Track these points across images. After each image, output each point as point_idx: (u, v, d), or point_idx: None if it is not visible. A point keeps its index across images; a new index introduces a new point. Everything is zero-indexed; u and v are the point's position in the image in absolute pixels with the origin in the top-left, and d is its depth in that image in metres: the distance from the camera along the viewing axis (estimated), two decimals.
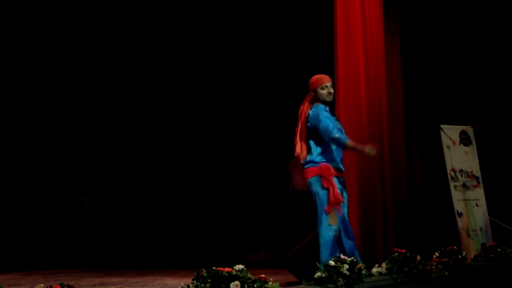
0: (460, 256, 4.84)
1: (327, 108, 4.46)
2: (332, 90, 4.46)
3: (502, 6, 7.19)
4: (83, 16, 8.62)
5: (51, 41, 8.85)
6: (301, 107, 4.50)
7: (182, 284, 3.34)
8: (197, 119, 9.57)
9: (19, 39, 8.65)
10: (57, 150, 9.22)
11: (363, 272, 3.79)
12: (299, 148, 4.47)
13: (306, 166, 4.40)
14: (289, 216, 8.22)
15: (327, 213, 4.22)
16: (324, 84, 4.41)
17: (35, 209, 8.92)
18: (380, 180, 5.81)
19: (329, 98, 4.44)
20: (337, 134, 4.23)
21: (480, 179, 6.32)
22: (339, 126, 4.47)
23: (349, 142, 4.23)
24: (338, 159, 4.38)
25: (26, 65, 8.89)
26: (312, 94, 4.42)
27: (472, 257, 5.52)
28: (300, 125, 4.47)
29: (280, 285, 3.51)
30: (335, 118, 4.55)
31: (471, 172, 6.28)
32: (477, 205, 6.18)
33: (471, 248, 5.77)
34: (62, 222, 9.00)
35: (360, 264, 3.80)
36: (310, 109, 4.41)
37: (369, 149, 4.18)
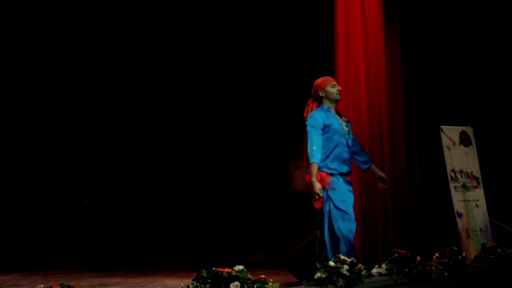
0: (460, 257, 4.83)
1: (331, 109, 4.45)
2: (340, 88, 4.49)
3: (502, 6, 7.18)
4: (83, 16, 8.62)
5: (51, 41, 8.85)
6: (307, 114, 4.46)
7: (182, 284, 3.34)
8: (198, 120, 9.57)
9: (20, 39, 8.66)
10: (57, 151, 9.22)
11: (363, 272, 3.79)
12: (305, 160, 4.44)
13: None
14: (289, 217, 8.22)
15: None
16: (333, 83, 4.46)
17: (35, 209, 8.92)
18: None
19: (339, 96, 4.47)
20: (313, 148, 4.22)
21: (480, 180, 6.32)
22: (346, 128, 4.47)
23: (313, 166, 4.19)
24: (341, 162, 4.38)
25: (26, 65, 8.90)
26: (321, 95, 4.42)
27: (472, 257, 5.51)
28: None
29: (280, 285, 3.51)
30: (344, 120, 4.54)
31: (471, 172, 6.27)
32: (477, 205, 6.16)
33: (471, 249, 5.76)
34: (63, 223, 9.00)
35: (360, 265, 3.80)
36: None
37: (317, 190, 4.16)
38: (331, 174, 4.29)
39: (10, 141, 8.88)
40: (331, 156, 4.32)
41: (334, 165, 4.32)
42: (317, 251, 4.33)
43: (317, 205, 4.26)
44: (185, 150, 9.63)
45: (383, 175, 4.82)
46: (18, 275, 6.63)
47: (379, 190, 5.03)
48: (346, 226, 4.25)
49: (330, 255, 4.14)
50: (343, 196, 4.30)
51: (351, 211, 4.30)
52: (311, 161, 4.19)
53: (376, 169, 4.82)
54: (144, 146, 9.60)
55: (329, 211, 4.24)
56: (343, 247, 4.19)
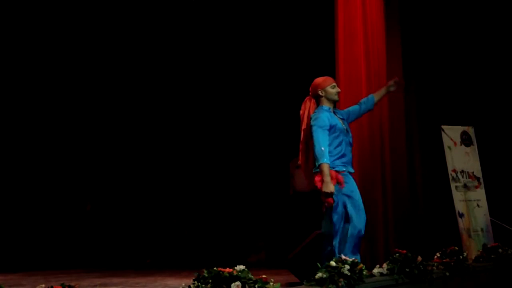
0: (461, 257, 4.83)
1: (331, 109, 4.46)
2: (339, 90, 4.51)
3: (502, 6, 7.18)
4: (83, 16, 8.62)
5: (51, 41, 8.85)
6: (304, 111, 4.48)
7: (183, 284, 3.34)
8: (198, 119, 9.57)
9: (20, 39, 8.65)
10: (58, 151, 9.23)
11: (364, 272, 3.79)
12: (302, 157, 4.50)
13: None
14: (290, 217, 8.22)
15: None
16: (333, 84, 4.47)
17: (36, 209, 8.92)
18: (381, 180, 5.80)
19: (338, 97, 4.50)
20: (321, 148, 4.22)
21: (481, 180, 6.32)
22: (344, 126, 4.47)
23: (324, 165, 4.17)
24: (347, 162, 4.39)
25: (27, 67, 8.89)
26: (321, 94, 4.43)
27: (473, 257, 5.52)
28: (302, 131, 4.46)
29: (281, 285, 3.51)
30: (340, 117, 4.54)
31: (472, 172, 6.27)
32: (478, 205, 6.17)
33: (472, 249, 5.76)
34: (63, 223, 9.00)
35: (361, 265, 3.80)
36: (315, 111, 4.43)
37: (331, 190, 4.16)
38: (342, 172, 4.31)
39: (11, 142, 8.88)
40: (340, 156, 4.33)
41: (342, 165, 4.33)
42: (328, 249, 4.30)
43: (330, 201, 4.24)
44: (185, 151, 9.62)
45: (390, 82, 4.87)
46: (19, 275, 6.63)
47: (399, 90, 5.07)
48: (361, 222, 4.28)
49: (347, 252, 4.14)
50: (355, 194, 4.32)
51: (363, 207, 4.34)
52: (321, 161, 4.19)
53: (381, 92, 4.89)
54: (145, 146, 9.61)
55: (345, 208, 4.24)
56: (356, 243, 4.22)
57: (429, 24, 6.93)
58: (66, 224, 9.02)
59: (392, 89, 4.88)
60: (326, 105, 4.45)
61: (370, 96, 4.83)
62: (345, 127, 4.48)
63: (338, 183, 4.25)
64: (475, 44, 7.24)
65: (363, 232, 4.31)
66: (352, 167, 4.48)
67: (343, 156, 4.36)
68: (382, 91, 4.89)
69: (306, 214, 7.11)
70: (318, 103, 4.47)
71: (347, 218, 4.26)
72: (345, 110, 4.69)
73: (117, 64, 9.29)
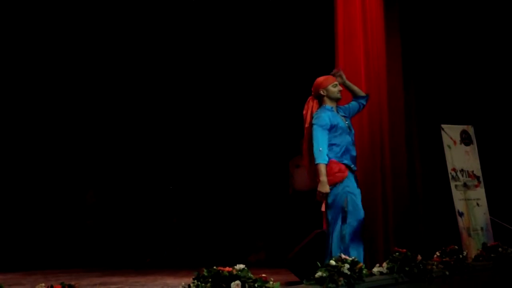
0: (461, 256, 4.84)
1: (333, 108, 4.46)
2: (341, 88, 4.51)
3: (502, 6, 7.18)
4: (83, 16, 8.63)
5: (51, 41, 8.85)
6: (307, 111, 4.49)
7: (183, 283, 3.34)
8: (198, 119, 9.58)
9: (20, 39, 8.66)
10: (58, 150, 9.23)
11: (363, 271, 3.79)
12: (305, 157, 4.50)
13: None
14: (289, 216, 8.21)
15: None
16: (335, 82, 4.48)
17: (35, 209, 8.92)
18: (381, 179, 5.80)
19: (340, 95, 4.51)
20: (319, 149, 4.22)
21: (481, 179, 6.32)
22: (346, 123, 4.47)
23: (320, 166, 4.19)
24: (350, 160, 4.39)
25: (27, 64, 8.90)
26: (322, 93, 4.43)
27: (473, 256, 5.52)
28: (305, 129, 4.48)
29: (281, 284, 3.51)
30: (343, 115, 4.53)
31: (472, 171, 6.28)
32: (478, 204, 6.17)
33: (472, 248, 5.76)
34: (63, 222, 9.01)
35: (361, 264, 3.81)
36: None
37: (327, 190, 4.18)
38: (350, 166, 4.33)
39: (10, 141, 8.88)
40: (341, 153, 4.34)
41: (345, 162, 4.34)
42: (331, 247, 4.31)
43: (324, 204, 4.25)
44: (185, 150, 9.63)
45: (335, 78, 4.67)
46: (19, 274, 6.64)
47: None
48: (360, 221, 4.32)
49: (350, 251, 4.15)
50: (356, 192, 4.33)
51: (361, 207, 4.36)
52: (318, 161, 4.20)
53: (348, 87, 4.76)
54: (145, 146, 9.61)
55: (345, 206, 4.25)
56: (356, 242, 4.22)
57: (429, 24, 6.93)
58: (66, 223, 9.03)
59: (340, 80, 4.67)
60: (329, 104, 4.46)
61: (352, 103, 4.77)
62: (347, 125, 4.48)
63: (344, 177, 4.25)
64: (474, 43, 7.24)
65: (359, 228, 4.32)
66: (356, 165, 4.49)
67: (346, 154, 4.37)
68: (346, 85, 4.75)
69: (306, 213, 7.11)
70: (320, 103, 4.48)
71: (344, 219, 4.27)
72: (346, 105, 4.69)
73: (119, 62, 9.29)
